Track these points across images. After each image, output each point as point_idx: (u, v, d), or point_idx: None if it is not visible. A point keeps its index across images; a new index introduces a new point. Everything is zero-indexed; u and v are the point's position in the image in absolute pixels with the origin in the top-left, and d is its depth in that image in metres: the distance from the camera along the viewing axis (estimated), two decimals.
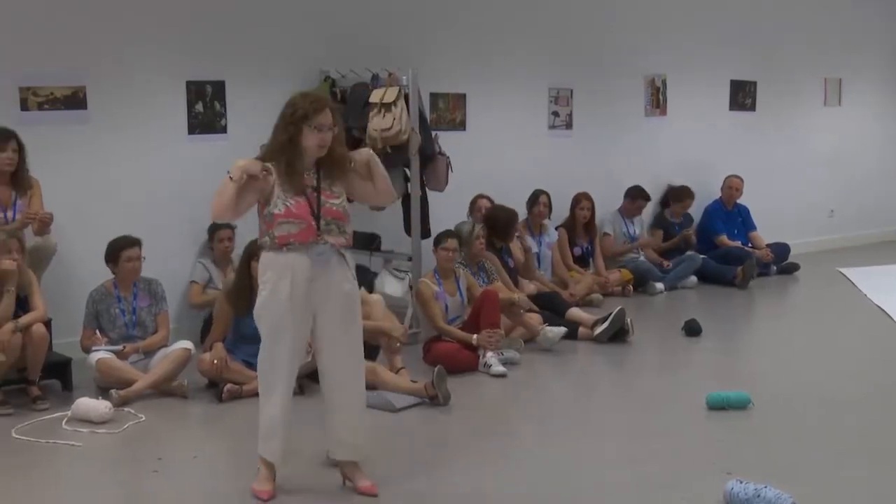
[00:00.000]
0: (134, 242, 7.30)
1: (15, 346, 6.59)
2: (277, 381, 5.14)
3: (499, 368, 7.53)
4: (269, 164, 5.05)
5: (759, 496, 4.88)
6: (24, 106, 7.72)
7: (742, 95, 12.68)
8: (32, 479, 5.58)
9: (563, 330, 8.30)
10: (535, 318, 8.42)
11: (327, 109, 5.07)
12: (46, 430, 6.27)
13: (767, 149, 12.79)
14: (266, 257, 5.11)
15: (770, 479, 5.02)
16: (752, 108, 12.79)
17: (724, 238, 11.74)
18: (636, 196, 11.08)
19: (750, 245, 11.82)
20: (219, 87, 8.61)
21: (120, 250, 7.26)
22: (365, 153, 5.27)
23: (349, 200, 5.28)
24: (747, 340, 9.40)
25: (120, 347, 7.15)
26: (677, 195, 11.52)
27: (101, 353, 7.06)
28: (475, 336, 7.66)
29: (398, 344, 7.24)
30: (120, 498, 5.29)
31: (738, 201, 12.01)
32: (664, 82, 11.85)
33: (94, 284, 7.34)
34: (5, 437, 6.12)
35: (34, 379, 6.81)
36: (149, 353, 7.27)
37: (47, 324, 6.89)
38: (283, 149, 5.04)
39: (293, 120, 5.02)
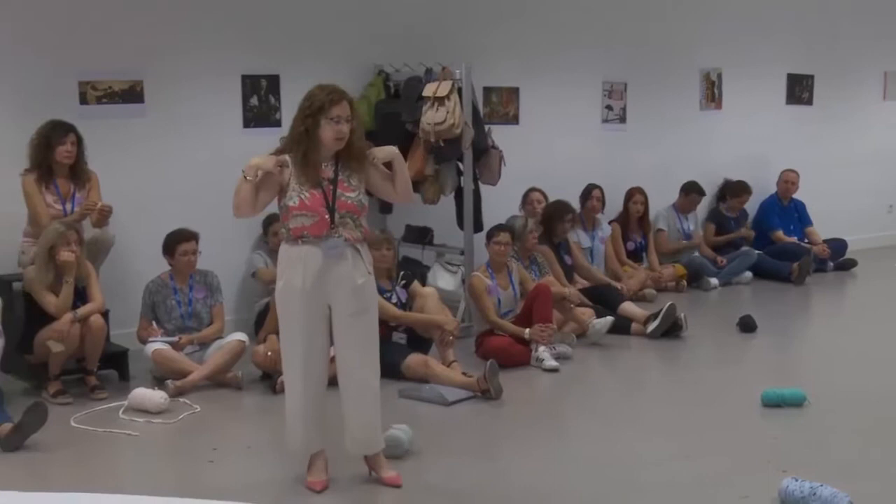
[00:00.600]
0: (190, 236, 7.36)
1: (74, 336, 6.68)
2: (295, 373, 5.18)
3: (551, 363, 7.51)
4: (285, 157, 5.07)
5: (814, 494, 4.83)
6: (84, 100, 7.82)
7: (799, 89, 12.54)
8: (90, 468, 5.67)
9: (609, 319, 8.26)
10: (586, 313, 8.40)
11: (344, 101, 5.06)
12: (104, 420, 6.36)
13: (825, 143, 12.63)
14: (282, 249, 5.14)
15: (826, 478, 4.97)
16: (810, 102, 12.64)
17: (779, 233, 11.63)
18: (690, 191, 11.00)
19: (806, 241, 11.69)
20: (273, 81, 8.66)
21: (176, 243, 7.33)
22: (390, 151, 5.25)
23: (368, 194, 5.26)
24: (803, 337, 9.31)
25: (175, 338, 7.23)
26: (735, 190, 11.41)
27: (157, 344, 7.14)
28: (527, 330, 7.65)
29: (451, 337, 7.25)
30: (176, 487, 5.35)
31: (795, 196, 11.89)
32: (719, 76, 11.75)
33: (151, 276, 7.43)
34: (64, 425, 6.21)
35: (92, 369, 6.91)
36: (204, 344, 7.35)
37: (105, 315, 6.98)
38: (300, 140, 5.05)
39: (310, 112, 5.03)
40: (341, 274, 5.11)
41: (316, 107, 5.02)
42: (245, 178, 5.03)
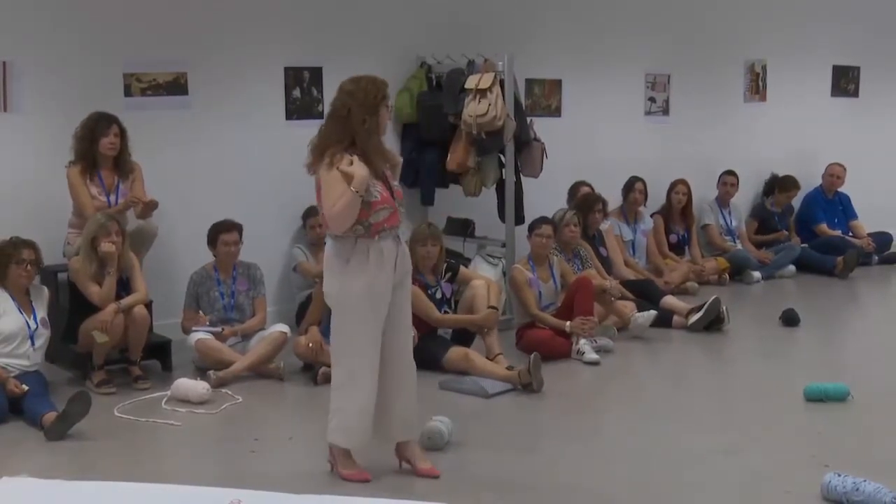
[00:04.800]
0: (232, 227, 7.41)
1: (117, 327, 6.74)
2: (367, 368, 5.12)
3: (592, 356, 7.49)
4: (355, 157, 4.99)
5: (857, 490, 4.79)
6: (128, 92, 7.88)
7: (845, 81, 12.40)
8: (133, 457, 5.72)
9: (653, 314, 8.23)
10: (628, 306, 8.36)
11: None
12: (147, 410, 6.42)
13: (870, 136, 12.47)
14: (358, 246, 5.02)
15: (869, 473, 4.92)
16: (856, 94, 12.50)
17: (824, 227, 11.52)
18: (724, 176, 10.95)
19: (850, 234, 11.58)
20: (316, 73, 8.69)
21: (218, 233, 7.39)
22: (397, 158, 5.35)
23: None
24: (847, 331, 9.22)
25: (219, 329, 7.28)
26: (784, 185, 11.29)
27: (200, 334, 7.19)
28: (568, 323, 7.62)
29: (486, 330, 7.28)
30: (219, 477, 5.37)
31: (840, 189, 11.77)
32: (764, 68, 11.65)
33: (194, 267, 7.49)
34: (108, 415, 6.27)
35: (135, 359, 6.97)
36: (246, 335, 7.39)
37: (148, 306, 7.04)
38: (371, 132, 5.04)
39: (376, 101, 5.03)
40: (403, 260, 5.19)
41: (381, 96, 5.05)
42: (356, 192, 4.92)
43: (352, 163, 4.96)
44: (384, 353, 5.19)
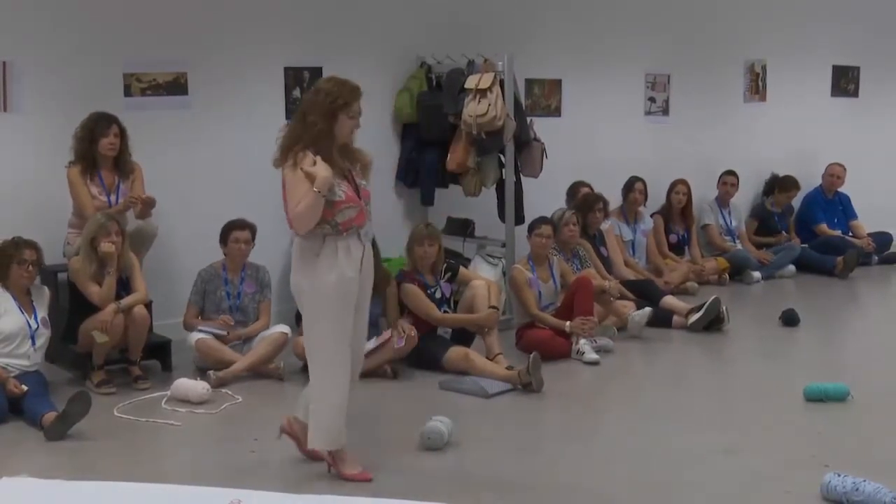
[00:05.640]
0: (244, 225, 7.42)
1: (117, 327, 6.74)
2: (340, 367, 5.16)
3: (592, 356, 7.49)
4: (317, 157, 5.01)
5: (857, 490, 4.79)
6: (128, 92, 7.89)
7: (845, 81, 12.40)
8: (133, 457, 5.72)
9: (647, 311, 8.22)
10: (628, 306, 8.36)
11: (361, 96, 5.12)
12: (147, 410, 6.42)
13: (870, 136, 12.47)
14: (326, 244, 5.08)
15: (868, 474, 4.92)
16: (856, 94, 12.50)
17: (823, 227, 11.52)
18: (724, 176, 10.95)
19: (850, 234, 11.58)
20: (316, 74, 8.67)
21: (230, 230, 7.40)
22: (368, 158, 5.33)
23: None
24: (846, 331, 9.22)
25: (224, 332, 7.28)
26: (784, 185, 11.29)
27: (201, 334, 7.19)
28: (568, 323, 7.63)
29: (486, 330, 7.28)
30: (218, 477, 5.36)
31: (840, 190, 11.77)
32: (764, 68, 11.65)
33: (195, 268, 7.49)
34: (108, 415, 6.27)
35: (135, 359, 6.97)
36: (248, 338, 7.39)
37: (148, 306, 7.04)
38: (322, 136, 5.04)
39: (334, 107, 5.03)
40: (369, 260, 5.25)
41: (340, 102, 5.04)
42: (320, 194, 4.95)
43: (315, 163, 4.98)
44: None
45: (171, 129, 8.04)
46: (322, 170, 4.95)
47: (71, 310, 7.04)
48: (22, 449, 5.79)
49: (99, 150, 7.22)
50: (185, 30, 8.07)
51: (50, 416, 5.90)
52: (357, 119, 5.10)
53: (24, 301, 6.50)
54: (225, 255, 7.46)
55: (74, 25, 7.67)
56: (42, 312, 6.56)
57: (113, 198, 7.28)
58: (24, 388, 6.17)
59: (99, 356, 6.80)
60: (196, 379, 6.77)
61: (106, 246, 6.77)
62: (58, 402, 6.15)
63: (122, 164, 7.35)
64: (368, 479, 5.19)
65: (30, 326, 6.44)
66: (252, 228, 7.46)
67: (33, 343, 6.45)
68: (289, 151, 5.06)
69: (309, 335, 5.25)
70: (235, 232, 7.39)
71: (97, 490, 4.73)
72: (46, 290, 6.74)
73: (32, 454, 5.70)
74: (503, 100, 8.25)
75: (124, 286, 6.95)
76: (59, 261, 7.30)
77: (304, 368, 7.12)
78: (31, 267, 6.47)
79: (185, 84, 8.11)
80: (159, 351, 7.31)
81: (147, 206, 7.28)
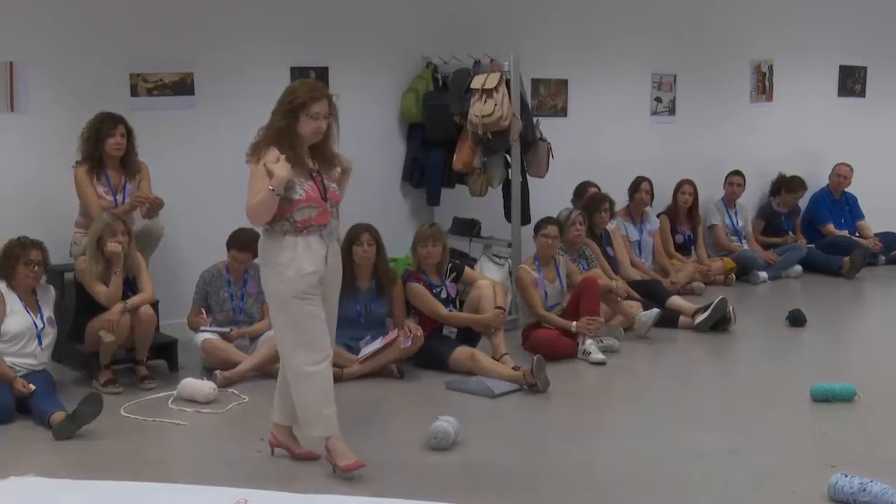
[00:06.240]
0: (247, 247, 7.17)
1: (124, 326, 6.75)
2: (317, 356, 5.22)
3: (598, 356, 7.49)
4: (279, 154, 5.11)
5: (864, 491, 4.78)
6: (135, 92, 7.91)
7: (851, 81, 12.38)
8: (140, 457, 5.73)
9: (655, 311, 8.21)
10: (634, 306, 8.36)
11: (324, 99, 5.19)
12: (153, 409, 6.43)
13: (877, 136, 12.43)
14: (286, 241, 5.17)
15: (875, 474, 4.91)
16: (862, 94, 12.47)
17: (830, 227, 11.50)
18: (730, 176, 10.94)
19: (857, 234, 11.56)
20: (322, 73, 8.69)
21: (233, 246, 7.32)
22: (347, 163, 5.43)
23: None
24: (853, 331, 9.21)
25: (227, 329, 7.28)
26: (791, 185, 11.28)
27: (207, 334, 7.20)
28: (574, 323, 7.62)
29: (492, 330, 7.29)
30: (224, 476, 5.37)
31: (846, 190, 11.75)
32: (770, 68, 11.64)
33: (201, 267, 7.49)
34: (114, 414, 6.27)
35: (142, 359, 6.98)
36: (253, 337, 7.40)
37: (154, 305, 7.05)
38: (284, 135, 5.16)
39: (291, 107, 5.16)
40: (334, 260, 5.33)
41: (298, 103, 5.16)
42: (274, 192, 5.06)
43: (278, 160, 5.08)
44: None
45: (178, 129, 8.05)
46: (280, 169, 5.06)
47: (77, 309, 7.05)
48: (30, 448, 5.79)
49: (105, 149, 7.23)
50: (191, 30, 8.09)
51: (58, 416, 5.90)
52: (320, 121, 5.18)
53: (30, 301, 6.51)
54: (229, 261, 7.46)
55: (81, 26, 7.69)
56: (48, 312, 6.57)
57: (119, 197, 7.29)
58: (32, 387, 6.18)
59: (105, 356, 6.81)
60: (202, 379, 6.77)
61: (112, 246, 6.78)
62: (65, 401, 6.16)
63: (128, 164, 7.36)
64: (362, 465, 5.23)
65: (36, 326, 6.45)
66: (253, 250, 7.41)
67: (40, 342, 6.46)
68: (258, 146, 5.22)
69: (274, 326, 5.44)
70: (235, 251, 7.34)
71: (104, 489, 4.75)
72: (52, 289, 6.75)
73: (40, 453, 5.70)
74: (509, 100, 8.26)
75: (131, 286, 6.96)
76: (65, 260, 7.31)
77: None
78: (37, 267, 6.48)
79: (192, 84, 8.12)
80: (166, 351, 7.32)
81: (154, 206, 7.29)
